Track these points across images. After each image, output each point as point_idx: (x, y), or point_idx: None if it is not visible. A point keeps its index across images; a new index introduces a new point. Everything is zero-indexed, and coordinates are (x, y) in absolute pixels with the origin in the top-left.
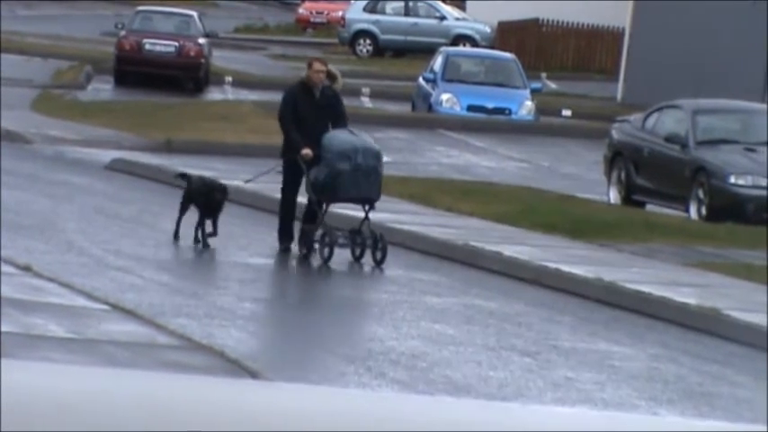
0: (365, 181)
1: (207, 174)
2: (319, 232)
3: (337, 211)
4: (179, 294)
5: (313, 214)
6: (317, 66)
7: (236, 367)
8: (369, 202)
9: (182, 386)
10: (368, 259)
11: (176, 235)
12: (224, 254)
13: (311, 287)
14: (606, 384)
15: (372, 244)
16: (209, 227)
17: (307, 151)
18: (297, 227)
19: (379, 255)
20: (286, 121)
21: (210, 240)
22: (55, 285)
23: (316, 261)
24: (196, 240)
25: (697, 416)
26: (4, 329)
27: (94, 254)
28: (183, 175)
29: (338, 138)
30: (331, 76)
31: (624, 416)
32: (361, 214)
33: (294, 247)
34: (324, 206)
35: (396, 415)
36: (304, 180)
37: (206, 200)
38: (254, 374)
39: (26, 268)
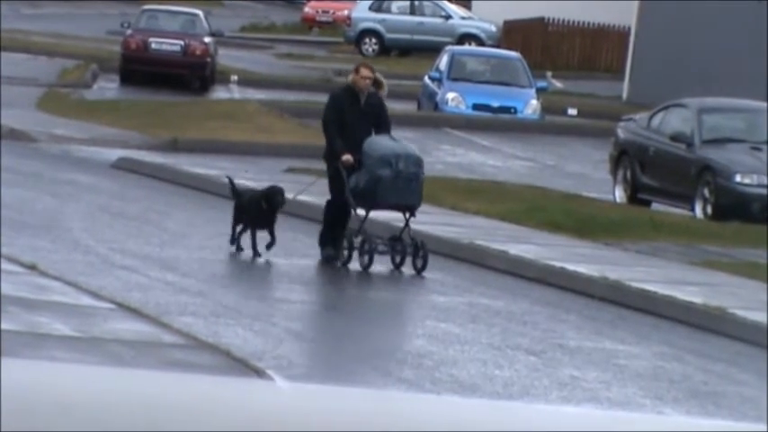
0: (406, 188)
1: (213, 172)
2: (359, 239)
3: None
4: (184, 293)
5: (347, 219)
6: (364, 72)
7: (242, 366)
8: (410, 209)
9: (187, 385)
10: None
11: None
12: (229, 252)
13: (325, 288)
14: (612, 383)
15: (413, 251)
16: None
17: (347, 157)
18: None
19: (420, 263)
20: (330, 126)
21: (223, 242)
22: (60, 284)
23: (354, 267)
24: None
25: (702, 415)
26: (9, 328)
27: (100, 252)
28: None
29: (379, 143)
30: (377, 83)
31: (630, 415)
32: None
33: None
34: (365, 213)
35: (401, 414)
36: None
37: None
38: (259, 373)
39: (31, 267)
